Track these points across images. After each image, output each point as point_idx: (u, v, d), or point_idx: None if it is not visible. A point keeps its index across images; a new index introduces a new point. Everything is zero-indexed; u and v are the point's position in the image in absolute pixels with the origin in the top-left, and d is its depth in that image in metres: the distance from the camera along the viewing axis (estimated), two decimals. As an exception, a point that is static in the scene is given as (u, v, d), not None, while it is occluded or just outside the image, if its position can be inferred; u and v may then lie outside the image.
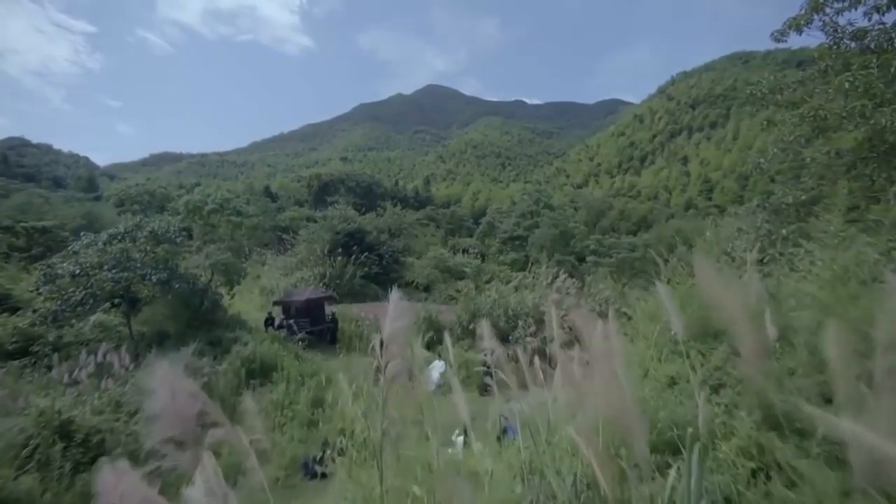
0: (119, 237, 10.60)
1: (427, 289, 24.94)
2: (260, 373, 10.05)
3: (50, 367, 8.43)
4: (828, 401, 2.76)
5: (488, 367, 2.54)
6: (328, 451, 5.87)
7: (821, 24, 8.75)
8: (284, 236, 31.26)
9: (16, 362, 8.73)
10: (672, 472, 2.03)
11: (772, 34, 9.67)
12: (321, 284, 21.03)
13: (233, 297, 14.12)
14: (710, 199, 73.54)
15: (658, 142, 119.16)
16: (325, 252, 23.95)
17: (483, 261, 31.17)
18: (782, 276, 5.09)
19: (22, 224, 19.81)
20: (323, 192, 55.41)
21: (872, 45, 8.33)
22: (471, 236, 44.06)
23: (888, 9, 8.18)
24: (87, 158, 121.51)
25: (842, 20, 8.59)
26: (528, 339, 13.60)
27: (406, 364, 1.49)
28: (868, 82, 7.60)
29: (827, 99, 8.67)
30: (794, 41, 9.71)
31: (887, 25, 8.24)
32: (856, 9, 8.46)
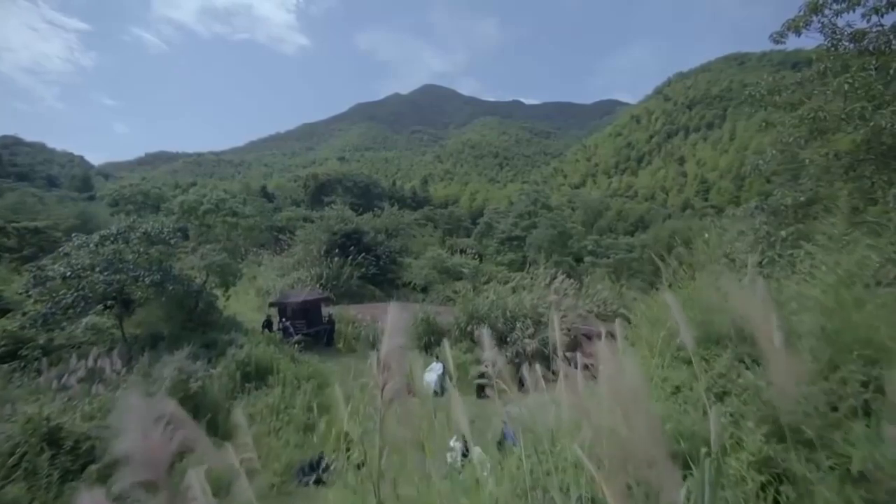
0: (111, 238, 10.42)
1: (425, 289, 24.84)
2: (255, 376, 9.91)
3: (39, 372, 8.26)
4: (833, 409, 2.69)
5: (488, 379, 2.44)
6: (324, 461, 5.77)
7: (819, 25, 8.73)
8: (281, 237, 31.05)
9: (5, 366, 8.55)
10: (682, 491, 1.95)
11: (771, 35, 9.65)
12: (318, 285, 20.87)
13: (228, 298, 13.96)
14: (706, 199, 73.88)
15: (655, 142, 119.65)
16: (322, 252, 23.80)
17: (481, 261, 31.09)
18: (783, 278, 5.04)
19: (13, 224, 19.51)
20: (320, 192, 55.14)
21: (871, 47, 8.32)
22: (468, 237, 43.98)
23: (887, 11, 8.16)
24: (81, 157, 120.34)
25: (840, 22, 8.57)
26: (527, 340, 13.53)
27: (405, 384, 1.39)
28: (867, 84, 7.58)
29: (826, 100, 8.66)
30: (790, 43, 9.66)
31: (886, 27, 8.23)
32: (854, 10, 8.45)
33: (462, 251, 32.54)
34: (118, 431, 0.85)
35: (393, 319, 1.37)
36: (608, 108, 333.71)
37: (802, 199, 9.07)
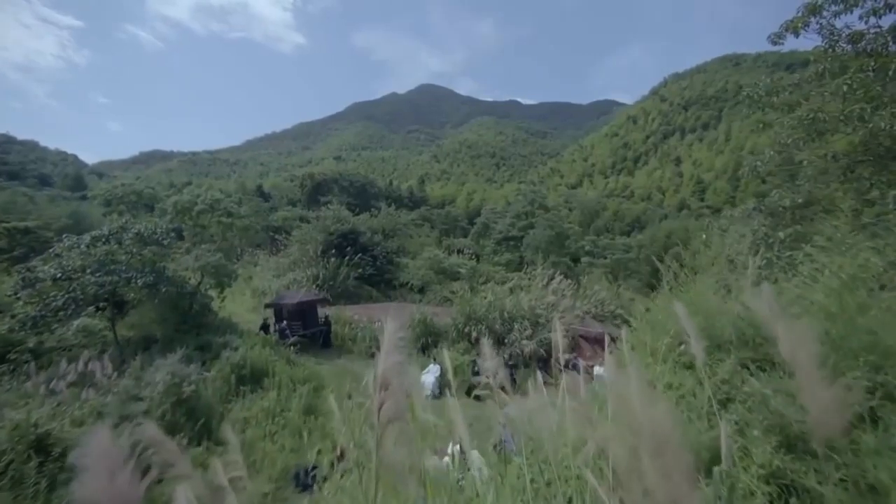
0: (103, 239, 10.22)
1: (422, 290, 24.72)
2: (250, 379, 9.78)
3: (29, 376, 8.07)
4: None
5: (489, 390, 2.35)
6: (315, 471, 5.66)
7: (818, 27, 8.73)
8: (277, 237, 30.83)
9: (-7, 370, 8.37)
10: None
11: (769, 37, 9.64)
12: (314, 286, 20.71)
13: (223, 299, 13.79)
14: (702, 199, 74.23)
15: (651, 143, 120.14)
16: (319, 253, 23.63)
17: (478, 261, 31.02)
18: (782, 280, 4.99)
19: (3, 224, 19.18)
20: (316, 192, 54.83)
21: (868, 49, 8.32)
22: (465, 237, 43.87)
23: (885, 12, 8.17)
24: (74, 156, 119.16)
25: (838, 23, 8.58)
26: (525, 342, 13.46)
27: (403, 405, 1.29)
28: (866, 85, 7.58)
29: (823, 102, 8.66)
30: (786, 44, 9.67)
31: (883, 29, 8.23)
32: (852, 12, 8.45)
33: (459, 251, 32.44)
34: (81, 472, 0.75)
35: (390, 333, 1.28)
36: (605, 108, 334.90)
37: (800, 200, 9.07)
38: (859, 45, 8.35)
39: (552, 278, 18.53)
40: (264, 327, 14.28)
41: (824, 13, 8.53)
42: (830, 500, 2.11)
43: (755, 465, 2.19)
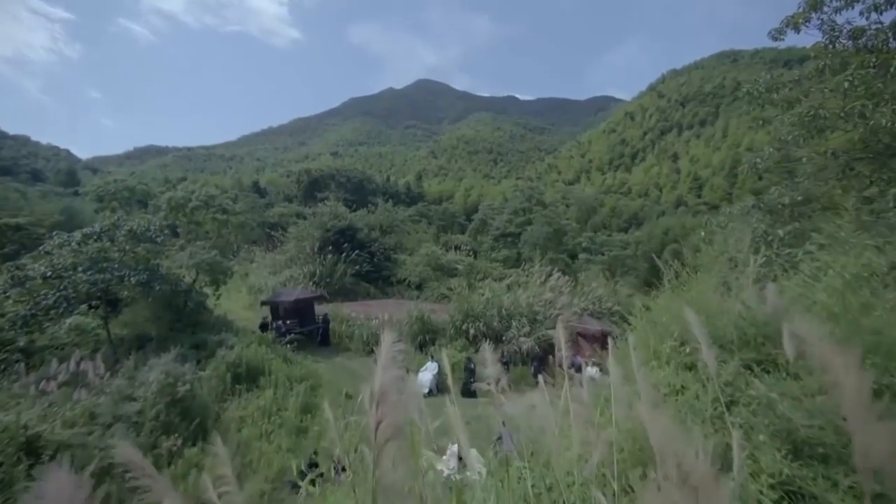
0: (95, 236, 10.04)
1: (419, 287, 24.65)
2: (246, 377, 9.69)
3: (19, 376, 7.93)
4: (845, 419, 2.58)
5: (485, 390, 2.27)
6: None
7: (818, 22, 8.66)
8: (273, 233, 30.61)
9: (-17, 370, 8.22)
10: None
11: (769, 32, 9.56)
12: (311, 283, 20.58)
13: (218, 297, 13.64)
14: (699, 196, 74.36)
15: (649, 139, 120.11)
16: (316, 249, 23.47)
17: (475, 258, 30.94)
18: (783, 280, 4.94)
19: (-6, 220, 18.89)
20: (313, 188, 54.46)
21: (869, 45, 8.26)
22: (463, 233, 43.75)
23: (886, 8, 8.09)
24: (67, 151, 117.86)
25: (839, 19, 8.51)
26: (522, 339, 13.43)
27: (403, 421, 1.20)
28: (867, 81, 7.51)
29: (824, 98, 8.60)
30: (785, 40, 9.61)
31: (885, 25, 8.16)
32: (853, 7, 8.38)
33: (456, 248, 32.35)
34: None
35: (386, 349, 1.19)
36: (602, 104, 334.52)
37: (799, 197, 9.03)
38: (860, 42, 8.29)
39: (550, 275, 18.50)
40: (264, 326, 14.16)
41: (825, 9, 8.46)
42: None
43: (764, 475, 2.13)
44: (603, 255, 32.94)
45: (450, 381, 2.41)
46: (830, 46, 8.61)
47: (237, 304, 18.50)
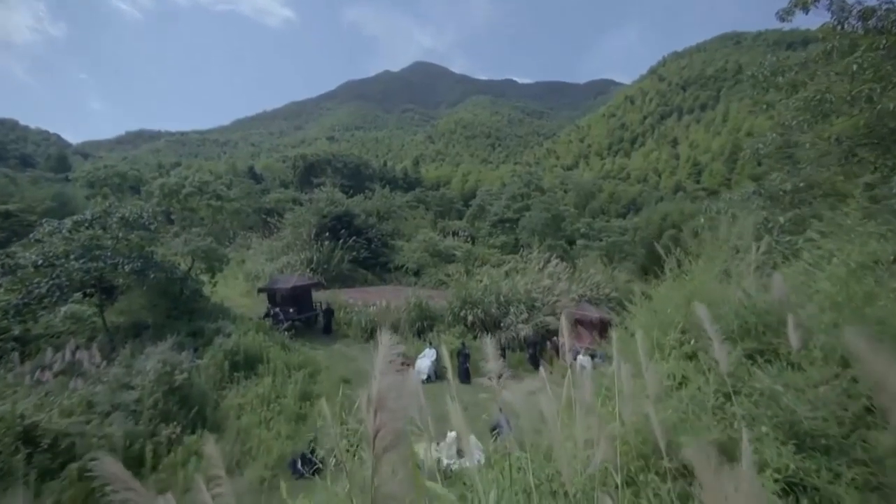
0: (86, 224, 9.85)
1: (417, 273, 24.62)
2: (244, 365, 9.69)
3: (14, 365, 7.87)
4: (844, 408, 2.55)
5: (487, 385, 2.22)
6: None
7: (827, 2, 8.40)
8: (269, 220, 30.35)
9: (-23, 360, 8.15)
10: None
11: (777, 13, 9.30)
12: (308, 269, 20.49)
13: (215, 285, 13.53)
14: (698, 182, 74.07)
15: (648, 123, 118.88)
16: (312, 236, 23.30)
17: (473, 244, 30.86)
18: (783, 268, 4.90)
19: (-16, 207, 18.55)
20: (309, 173, 53.81)
21: (879, 26, 8.03)
22: (460, 219, 43.54)
23: (898, -13, 7.84)
24: (57, 136, 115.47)
25: (849, -1, 8.25)
26: (521, 325, 13.47)
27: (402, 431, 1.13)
28: (876, 64, 7.32)
29: (830, 82, 8.41)
30: (788, 23, 9.37)
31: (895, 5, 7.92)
32: (864, -14, 8.12)
33: (454, 234, 32.22)
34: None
35: (383, 353, 1.11)
36: (602, 87, 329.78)
37: (801, 184, 8.94)
38: (870, 23, 8.07)
39: (548, 261, 18.48)
40: (267, 315, 14.12)
41: (835, -12, 8.20)
42: (842, 500, 2.04)
43: (770, 469, 2.10)
44: (601, 241, 32.92)
45: (450, 375, 2.35)
46: (839, 28, 8.39)
47: (234, 291, 18.43)
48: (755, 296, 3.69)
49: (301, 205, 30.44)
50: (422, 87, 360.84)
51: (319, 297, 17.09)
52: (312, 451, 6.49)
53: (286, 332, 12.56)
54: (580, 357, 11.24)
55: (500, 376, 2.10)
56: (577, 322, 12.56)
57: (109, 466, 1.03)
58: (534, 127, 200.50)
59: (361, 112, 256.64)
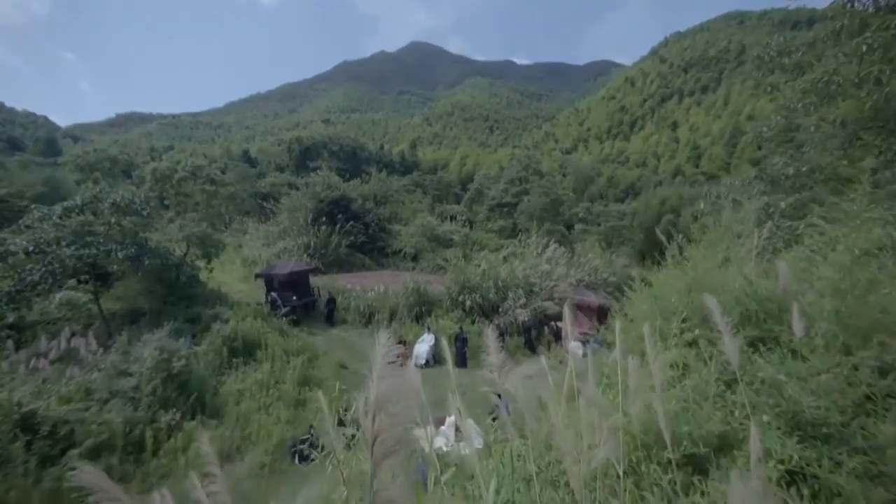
0: (77, 209, 9.65)
1: (415, 258, 24.57)
2: (243, 351, 9.69)
3: (9, 352, 7.82)
4: (843, 394, 2.54)
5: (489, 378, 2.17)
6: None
7: (838, -21, 8.12)
8: (265, 204, 30.02)
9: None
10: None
11: (784, -10, 8.99)
12: (305, 255, 20.38)
13: (211, 271, 13.41)
14: (697, 166, 73.62)
15: (649, 106, 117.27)
16: (309, 221, 23.09)
17: (471, 228, 30.74)
18: (784, 253, 4.85)
19: (-29, 192, 18.16)
20: (304, 157, 53.02)
21: (891, 4, 7.79)
22: (458, 203, 43.24)
23: (912, -36, 7.56)
24: (45, 118, 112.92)
25: (863, -24, 7.98)
26: (519, 310, 13.51)
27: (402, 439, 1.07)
28: (886, 44, 7.12)
29: (838, 63, 8.19)
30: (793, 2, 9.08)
31: (909, -19, 7.65)
32: (877, -37, 7.83)
33: (452, 218, 32.04)
34: None
35: (382, 355, 1.04)
36: (602, 69, 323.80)
37: (804, 168, 8.83)
38: (881, 1, 7.82)
39: (546, 246, 18.44)
40: (267, 301, 14.06)
41: (847, -36, 7.91)
42: (844, 489, 2.03)
43: (773, 460, 2.08)
44: (599, 225, 32.85)
45: (450, 368, 2.31)
46: (849, 6, 8.14)
47: (231, 276, 18.34)
48: (756, 282, 3.65)
49: (297, 189, 30.06)
50: (418, 67, 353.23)
51: (317, 282, 17.05)
52: (311, 437, 6.54)
53: (284, 319, 12.53)
54: (571, 343, 11.32)
55: (502, 367, 2.05)
56: (578, 307, 12.61)
57: (90, 477, 0.97)
58: (532, 109, 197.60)
59: (357, 94, 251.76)
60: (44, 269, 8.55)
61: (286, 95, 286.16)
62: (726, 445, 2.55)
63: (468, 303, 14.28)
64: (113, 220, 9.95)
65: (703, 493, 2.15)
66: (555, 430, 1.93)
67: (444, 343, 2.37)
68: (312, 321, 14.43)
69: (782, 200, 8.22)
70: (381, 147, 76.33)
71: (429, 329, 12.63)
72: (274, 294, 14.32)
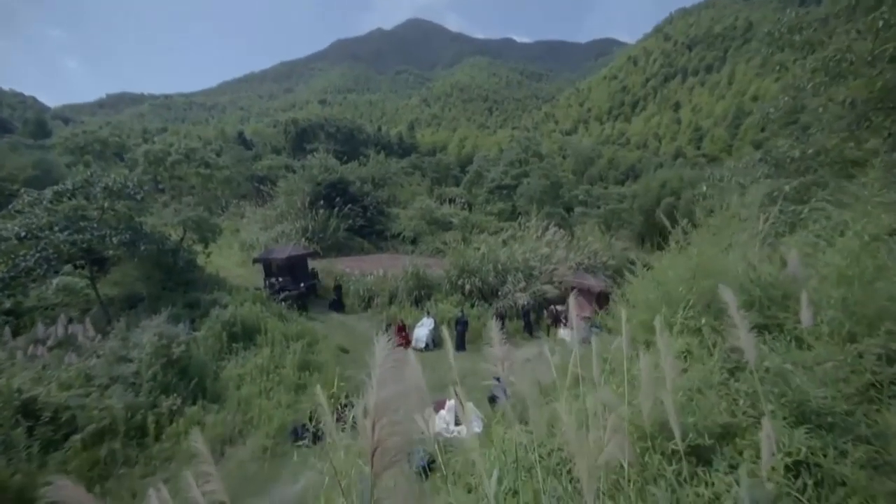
0: (68, 194, 9.45)
1: (414, 241, 24.48)
2: (243, 335, 9.70)
3: (6, 340, 7.79)
4: (845, 381, 2.51)
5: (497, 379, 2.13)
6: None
7: (853, -50, 7.76)
8: (262, 187, 29.67)
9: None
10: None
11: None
12: (303, 239, 20.25)
13: (208, 255, 13.30)
14: (699, 148, 72.72)
15: (651, 86, 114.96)
16: (307, 204, 22.85)
17: (470, 211, 30.52)
18: (788, 238, 4.77)
19: (-38, 176, 17.79)
20: (301, 139, 52.13)
21: (908, -23, 7.45)
22: (457, 185, 42.81)
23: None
24: (34, 98, 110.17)
25: (878, -55, 7.61)
26: (518, 294, 13.51)
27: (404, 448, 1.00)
28: (902, 21, 6.86)
29: (850, 40, 7.91)
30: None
31: (928, -47, 7.31)
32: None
33: (451, 201, 31.77)
34: None
35: (381, 358, 0.96)
36: (604, 48, 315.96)
37: (810, 151, 8.65)
38: (897, -26, 7.48)
39: (546, 229, 18.33)
40: (266, 285, 14.01)
41: (864, -67, 7.54)
42: (848, 479, 2.01)
43: (781, 453, 2.05)
44: (599, 208, 32.66)
45: (451, 359, 2.25)
46: (865, -21, 7.80)
47: (229, 261, 18.25)
48: (760, 268, 3.59)
49: (294, 172, 29.65)
50: (416, 45, 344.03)
51: (315, 266, 16.99)
52: (311, 421, 6.59)
53: (284, 303, 12.50)
54: (561, 330, 11.33)
55: (504, 360, 2.00)
56: (576, 289, 12.61)
57: (67, 491, 0.91)
58: (532, 90, 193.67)
59: (354, 73, 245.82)
60: (38, 254, 8.43)
61: (281, 75, 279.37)
62: (729, 434, 2.53)
63: (467, 286, 14.27)
64: (106, 204, 9.76)
65: (707, 484, 2.13)
66: (559, 420, 1.89)
67: (444, 329, 2.34)
68: (313, 306, 14.43)
69: (787, 184, 8.08)
70: (379, 129, 75.05)
71: (428, 313, 12.65)
72: (276, 279, 14.26)
